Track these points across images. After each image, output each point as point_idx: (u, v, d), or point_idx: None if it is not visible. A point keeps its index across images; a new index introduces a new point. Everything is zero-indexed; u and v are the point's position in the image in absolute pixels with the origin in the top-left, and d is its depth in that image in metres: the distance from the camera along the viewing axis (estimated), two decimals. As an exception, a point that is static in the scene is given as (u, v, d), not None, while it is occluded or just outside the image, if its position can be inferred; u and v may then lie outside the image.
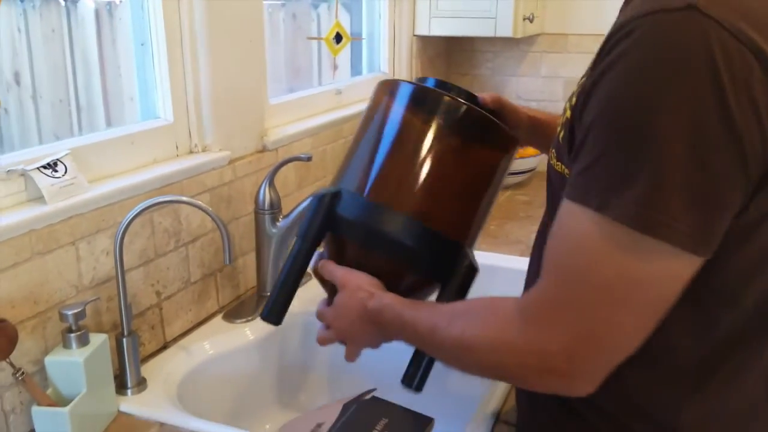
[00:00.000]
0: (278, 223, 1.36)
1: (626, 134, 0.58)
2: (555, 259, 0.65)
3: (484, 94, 0.97)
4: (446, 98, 0.89)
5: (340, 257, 0.92)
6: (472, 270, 0.90)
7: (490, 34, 2.12)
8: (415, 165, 0.87)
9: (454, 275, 0.88)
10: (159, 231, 1.19)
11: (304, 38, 2.14)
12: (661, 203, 0.56)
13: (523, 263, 0.86)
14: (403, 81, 0.94)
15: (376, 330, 0.85)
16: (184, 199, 1.11)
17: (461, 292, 0.90)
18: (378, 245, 0.86)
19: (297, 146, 1.59)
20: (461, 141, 0.88)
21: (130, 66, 1.36)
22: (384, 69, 2.22)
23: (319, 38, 1.91)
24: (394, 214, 0.85)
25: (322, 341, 0.94)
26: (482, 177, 0.90)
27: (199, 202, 1.11)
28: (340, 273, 0.89)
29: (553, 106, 2.38)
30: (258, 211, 1.36)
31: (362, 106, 1.94)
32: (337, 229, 0.90)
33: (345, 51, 1.97)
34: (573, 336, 0.62)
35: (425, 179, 0.86)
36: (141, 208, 1.05)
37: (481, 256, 0.89)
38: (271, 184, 1.35)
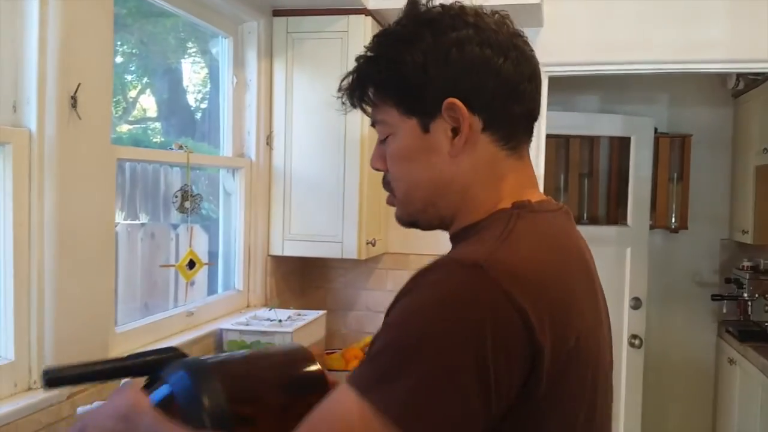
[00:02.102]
0: (117, 457, 1.37)
1: (401, 347, 0.70)
2: (313, 417, 0.72)
3: None
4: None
5: None
6: None
7: (337, 256, 2.32)
8: None
9: None
10: (-14, 477, 1.18)
11: (161, 259, 2.24)
12: (414, 407, 0.67)
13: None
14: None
15: (119, 429, 0.84)
16: (15, 447, 1.13)
17: None
18: None
19: (144, 372, 1.63)
20: None
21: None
22: (239, 287, 2.34)
23: (172, 265, 2.02)
24: None
25: None
26: None
27: (31, 449, 1.13)
28: (130, 388, 0.89)
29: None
30: (96, 446, 1.36)
31: (214, 326, 2.04)
32: (156, 377, 0.94)
33: (202, 269, 2.08)
34: None
35: None
36: (-33, 460, 1.05)
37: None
38: (112, 417, 1.38)
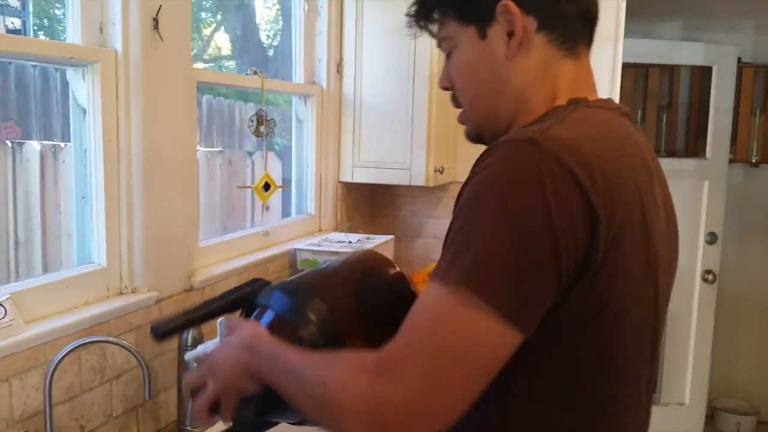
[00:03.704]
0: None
1: (471, 220, 0.74)
2: (409, 318, 0.76)
3: None
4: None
5: None
6: None
7: (405, 183, 2.37)
8: None
9: None
10: (86, 368, 1.30)
11: (238, 183, 2.34)
12: (486, 272, 0.71)
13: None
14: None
15: (246, 359, 0.88)
16: (110, 339, 1.24)
17: None
18: None
19: (223, 285, 1.74)
20: None
21: (70, 209, 1.50)
22: (311, 211, 2.42)
23: (249, 186, 2.11)
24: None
25: (186, 378, 0.96)
26: None
27: (124, 342, 1.24)
28: (244, 321, 0.95)
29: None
30: (181, 347, 1.48)
31: (288, 245, 2.13)
32: (253, 307, 1.00)
33: (276, 194, 2.17)
34: (409, 391, 0.72)
35: None
36: (69, 349, 1.17)
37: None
38: (195, 322, 1.48)
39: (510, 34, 0.86)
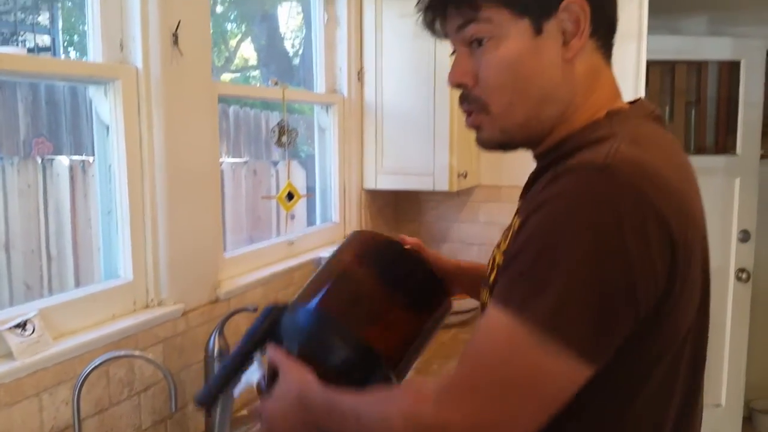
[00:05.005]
0: (227, 369, 1.49)
1: (546, 258, 0.71)
2: (474, 348, 0.74)
3: (408, 239, 1.09)
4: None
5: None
6: None
7: (429, 188, 2.36)
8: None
9: None
10: (114, 381, 1.32)
11: (262, 193, 2.36)
12: (564, 312, 0.69)
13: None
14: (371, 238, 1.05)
15: (302, 415, 0.89)
16: (136, 353, 1.26)
17: None
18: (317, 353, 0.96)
19: (249, 295, 1.75)
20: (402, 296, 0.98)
21: (98, 225, 1.52)
22: (335, 219, 2.43)
23: (272, 197, 2.12)
24: (339, 327, 0.95)
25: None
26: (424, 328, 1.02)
27: (149, 356, 1.25)
28: (286, 360, 0.95)
29: (492, 248, 2.58)
30: (208, 359, 1.49)
31: (313, 254, 2.14)
32: (278, 338, 1.01)
33: (301, 202, 2.18)
34: (475, 419, 0.72)
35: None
36: (96, 363, 1.19)
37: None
38: (221, 333, 1.50)
39: (565, 34, 0.80)
